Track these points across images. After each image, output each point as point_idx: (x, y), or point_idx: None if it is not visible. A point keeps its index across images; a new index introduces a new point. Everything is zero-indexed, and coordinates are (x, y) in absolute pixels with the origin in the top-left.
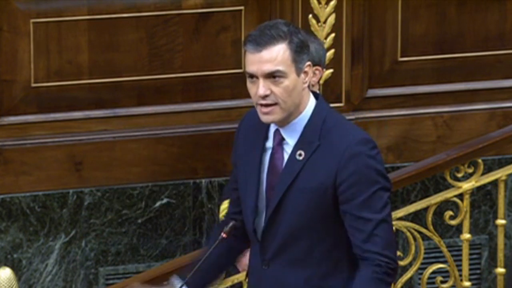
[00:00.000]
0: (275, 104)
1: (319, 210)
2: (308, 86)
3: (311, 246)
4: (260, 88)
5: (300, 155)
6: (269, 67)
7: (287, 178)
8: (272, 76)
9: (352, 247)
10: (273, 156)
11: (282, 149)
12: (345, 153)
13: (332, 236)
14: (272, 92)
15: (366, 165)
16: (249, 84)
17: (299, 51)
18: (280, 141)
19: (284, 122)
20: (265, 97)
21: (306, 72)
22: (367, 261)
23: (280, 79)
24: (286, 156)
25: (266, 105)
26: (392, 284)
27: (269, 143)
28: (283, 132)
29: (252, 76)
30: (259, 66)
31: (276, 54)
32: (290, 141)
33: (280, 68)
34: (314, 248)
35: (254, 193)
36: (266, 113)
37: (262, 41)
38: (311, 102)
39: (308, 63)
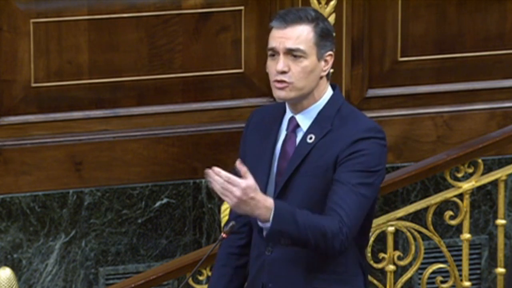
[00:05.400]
0: (291, 83)
1: (319, 191)
2: (327, 76)
3: None
4: (279, 63)
5: (310, 138)
6: (291, 44)
7: (295, 161)
8: (292, 54)
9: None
10: (286, 143)
11: (295, 135)
12: (352, 137)
13: None
14: (290, 69)
15: (370, 147)
16: (269, 62)
17: (323, 37)
18: (294, 128)
19: (298, 107)
20: (282, 73)
21: (326, 61)
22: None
23: (300, 58)
24: (298, 142)
25: (281, 81)
26: (393, 284)
27: (283, 132)
28: (298, 119)
29: (273, 53)
30: (281, 41)
31: (300, 33)
32: (304, 127)
33: (302, 47)
34: None
35: (265, 181)
36: (280, 89)
37: (288, 19)
38: (328, 92)
39: (330, 52)
